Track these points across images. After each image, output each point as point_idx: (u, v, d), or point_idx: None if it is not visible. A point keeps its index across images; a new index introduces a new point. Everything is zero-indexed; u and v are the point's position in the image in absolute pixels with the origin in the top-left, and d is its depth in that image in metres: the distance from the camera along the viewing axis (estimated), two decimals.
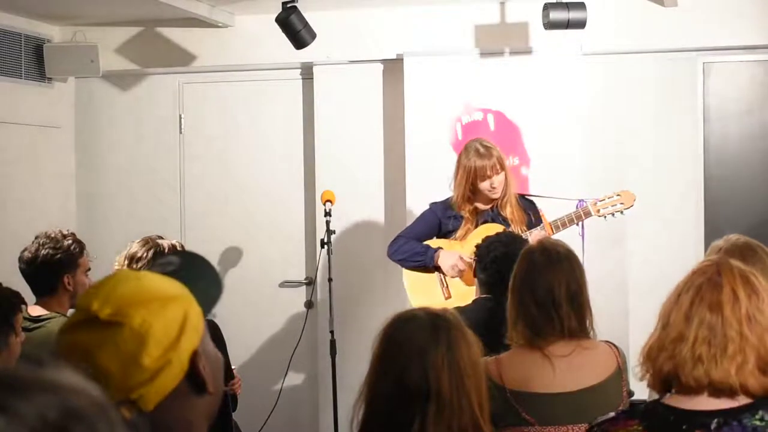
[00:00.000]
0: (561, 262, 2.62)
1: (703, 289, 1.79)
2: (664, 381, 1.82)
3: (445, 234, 4.17)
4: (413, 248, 4.16)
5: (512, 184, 4.11)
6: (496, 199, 4.07)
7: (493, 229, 3.81)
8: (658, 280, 4.91)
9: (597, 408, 2.52)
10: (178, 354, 1.26)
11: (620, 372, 2.61)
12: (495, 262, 3.22)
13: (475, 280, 3.40)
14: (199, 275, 1.44)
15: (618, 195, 4.09)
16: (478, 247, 3.38)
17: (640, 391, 2.76)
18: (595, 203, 4.07)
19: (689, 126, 5.04)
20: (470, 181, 4.03)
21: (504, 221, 4.05)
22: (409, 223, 4.79)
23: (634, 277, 5.04)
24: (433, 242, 4.17)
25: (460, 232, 4.09)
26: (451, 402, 1.89)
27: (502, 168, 4.04)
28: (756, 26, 4.89)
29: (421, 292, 4.18)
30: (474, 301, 3.35)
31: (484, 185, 4.02)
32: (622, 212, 4.10)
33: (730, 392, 1.75)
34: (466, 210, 4.09)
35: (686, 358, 1.76)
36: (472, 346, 1.98)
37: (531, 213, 4.14)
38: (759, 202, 5.00)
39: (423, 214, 4.30)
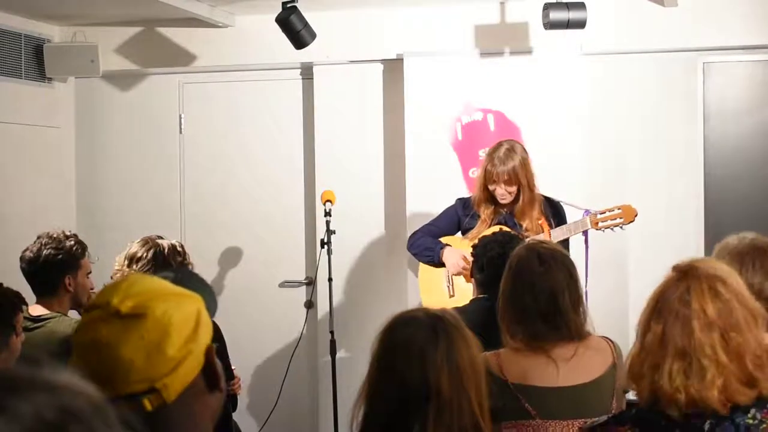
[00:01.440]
0: (558, 267, 2.59)
1: (674, 311, 1.75)
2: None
3: (464, 231, 4.18)
4: (425, 243, 4.21)
5: (530, 192, 4.04)
6: (508, 204, 4.08)
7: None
8: (659, 280, 4.92)
9: (594, 403, 2.53)
10: (197, 345, 1.30)
11: (614, 368, 2.59)
12: (492, 262, 3.21)
13: (473, 279, 3.39)
14: (195, 289, 1.46)
15: (619, 209, 4.02)
16: (474, 247, 3.38)
17: None
18: (596, 215, 4.02)
19: (689, 126, 5.04)
20: (483, 182, 4.07)
21: (518, 226, 4.04)
22: (409, 223, 4.81)
23: (634, 276, 5.04)
24: (448, 239, 4.19)
25: (473, 231, 4.09)
26: (451, 402, 1.89)
27: (514, 182, 4.00)
28: (756, 26, 4.89)
29: (429, 287, 4.23)
30: (471, 301, 3.35)
31: (492, 188, 4.05)
32: (621, 227, 4.04)
33: (718, 406, 1.71)
34: (484, 210, 4.09)
35: (665, 389, 1.72)
36: (471, 345, 1.98)
37: (553, 219, 4.10)
38: (759, 202, 5.00)
39: (445, 210, 4.33)
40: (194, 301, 1.35)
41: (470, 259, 3.93)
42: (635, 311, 5.42)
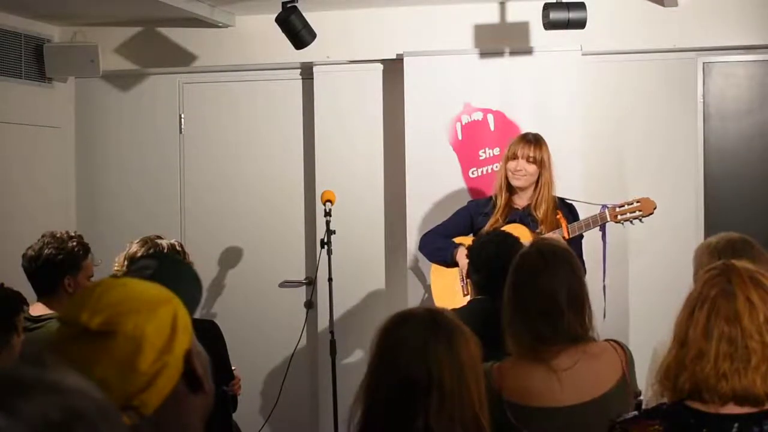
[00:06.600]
0: (560, 265, 2.49)
1: (718, 301, 1.79)
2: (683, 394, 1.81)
3: (476, 232, 4.17)
4: (436, 244, 4.21)
5: (549, 186, 4.08)
6: (523, 189, 4.08)
7: (516, 230, 3.78)
8: (659, 280, 4.93)
9: (601, 422, 2.44)
10: (173, 356, 1.26)
11: (625, 379, 2.47)
12: (487, 263, 3.17)
13: (468, 280, 3.36)
14: (178, 277, 1.43)
15: (638, 202, 3.99)
16: (469, 248, 3.34)
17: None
18: (615, 209, 4.01)
19: (689, 126, 5.04)
20: (506, 161, 4.10)
21: (534, 222, 4.03)
22: (409, 223, 4.81)
23: (635, 276, 5.05)
24: (462, 239, 4.18)
25: (485, 229, 4.08)
26: (452, 394, 1.89)
27: (536, 162, 4.05)
28: (756, 26, 4.89)
29: (443, 286, 4.22)
30: (469, 302, 3.31)
31: (510, 165, 4.07)
32: (641, 220, 4.00)
33: (755, 401, 1.75)
34: (501, 199, 4.10)
35: (709, 376, 1.76)
36: (470, 342, 1.98)
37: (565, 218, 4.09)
38: (759, 202, 5.00)
39: (457, 211, 4.33)
40: (169, 306, 1.28)
41: None
42: (635, 313, 5.43)
